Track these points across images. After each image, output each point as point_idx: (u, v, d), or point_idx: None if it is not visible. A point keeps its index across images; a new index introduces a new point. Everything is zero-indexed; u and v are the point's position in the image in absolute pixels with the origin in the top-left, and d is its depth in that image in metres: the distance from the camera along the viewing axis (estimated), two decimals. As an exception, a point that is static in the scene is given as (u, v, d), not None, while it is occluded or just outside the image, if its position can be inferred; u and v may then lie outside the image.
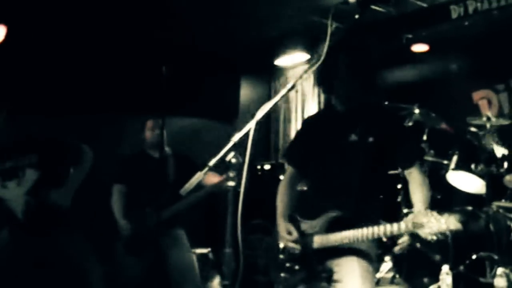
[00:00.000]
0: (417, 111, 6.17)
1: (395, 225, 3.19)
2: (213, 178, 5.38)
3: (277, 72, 9.08)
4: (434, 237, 3.07)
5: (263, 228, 6.09)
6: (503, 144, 5.97)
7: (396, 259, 6.09)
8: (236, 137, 3.39)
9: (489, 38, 7.53)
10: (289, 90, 3.25)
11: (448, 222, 3.04)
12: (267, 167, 7.40)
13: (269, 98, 8.48)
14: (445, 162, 6.09)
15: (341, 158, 3.63)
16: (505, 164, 5.72)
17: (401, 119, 4.63)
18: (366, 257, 3.49)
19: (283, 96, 3.29)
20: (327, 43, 3.26)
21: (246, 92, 9.08)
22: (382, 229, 3.24)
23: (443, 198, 6.41)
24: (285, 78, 9.01)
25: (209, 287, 6.39)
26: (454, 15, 7.01)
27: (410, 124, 6.20)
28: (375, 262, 3.60)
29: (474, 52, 7.88)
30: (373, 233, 3.27)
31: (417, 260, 5.92)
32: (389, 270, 6.11)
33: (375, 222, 3.37)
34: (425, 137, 6.33)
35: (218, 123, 8.20)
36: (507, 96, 7.61)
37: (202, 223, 7.58)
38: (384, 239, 5.12)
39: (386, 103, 6.11)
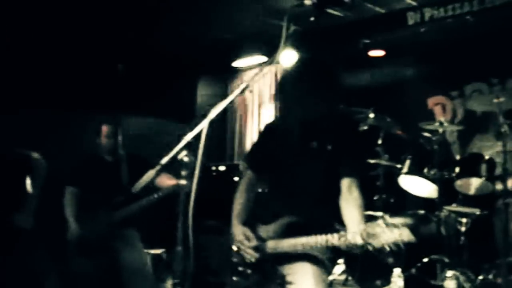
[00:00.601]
0: (372, 115, 6.24)
1: (349, 235, 3.18)
2: (167, 180, 5.38)
3: (235, 74, 9.10)
4: (388, 248, 3.09)
5: (217, 229, 6.10)
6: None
7: (349, 262, 6.17)
8: (189, 136, 3.40)
9: (444, 45, 7.68)
10: (242, 91, 3.26)
11: (402, 234, 3.04)
12: (222, 168, 7.41)
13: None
14: (399, 166, 6.18)
15: (300, 164, 3.62)
16: (457, 169, 5.84)
17: (357, 129, 4.59)
18: (319, 262, 3.48)
19: (235, 97, 3.30)
20: (282, 45, 3.27)
21: (203, 93, 9.08)
22: (336, 238, 3.21)
23: (396, 202, 6.52)
24: (242, 80, 9.02)
25: (162, 287, 6.38)
26: (410, 22, 7.13)
27: (365, 128, 6.27)
28: (329, 267, 3.61)
29: (430, 59, 8.02)
30: (327, 242, 3.24)
31: (370, 262, 6.00)
32: (342, 273, 6.18)
33: (330, 228, 3.34)
34: (380, 141, 6.41)
35: (174, 124, 8.17)
36: (461, 102, 7.76)
37: (157, 223, 7.56)
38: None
39: (342, 106, 6.20)
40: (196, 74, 9.03)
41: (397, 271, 5.62)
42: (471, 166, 5.84)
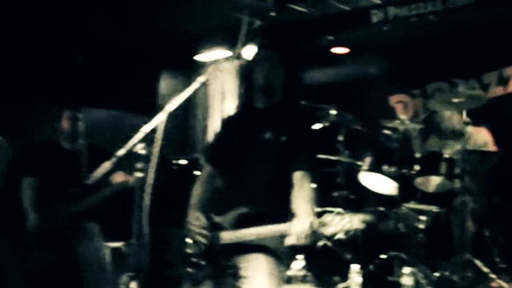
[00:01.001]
0: (333, 111, 6.28)
1: (300, 224, 3.24)
2: (119, 177, 5.39)
3: (198, 68, 9.06)
4: (338, 236, 3.18)
5: (177, 222, 6.09)
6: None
7: (308, 257, 6.21)
8: (146, 128, 3.40)
9: (408, 44, 7.77)
10: (201, 84, 3.27)
11: (352, 221, 3.15)
12: (183, 162, 7.40)
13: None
14: (359, 163, 6.23)
15: (255, 155, 3.66)
16: (417, 167, 5.91)
17: (312, 123, 4.61)
18: (274, 254, 3.50)
19: (194, 91, 3.30)
20: (242, 39, 3.29)
21: (166, 86, 9.03)
22: (287, 227, 3.29)
23: (356, 199, 6.58)
24: (205, 73, 8.85)
25: (121, 280, 6.35)
26: (374, 20, 7.15)
27: (327, 124, 6.31)
28: (285, 259, 3.63)
29: (393, 57, 8.11)
30: (278, 231, 3.33)
31: (329, 258, 6.05)
32: (301, 268, 6.21)
33: (284, 219, 3.39)
34: (341, 138, 6.45)
35: (136, 116, 8.10)
36: (423, 101, 7.85)
37: (118, 216, 7.51)
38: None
39: (303, 102, 6.23)
40: (159, 66, 8.97)
41: (355, 267, 5.66)
42: (431, 164, 5.92)
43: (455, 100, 5.74)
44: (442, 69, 7.84)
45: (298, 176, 3.57)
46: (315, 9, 7.30)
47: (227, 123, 4.05)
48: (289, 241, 3.28)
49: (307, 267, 6.17)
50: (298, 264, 6.25)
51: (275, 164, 3.62)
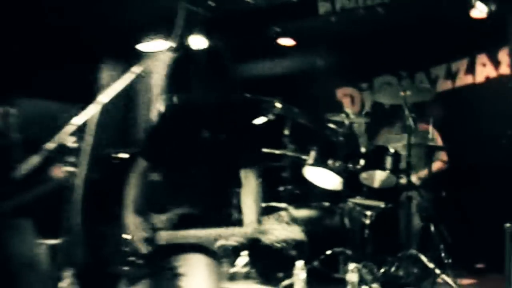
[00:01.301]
0: (278, 104, 6.18)
1: (241, 229, 3.26)
2: (57, 171, 5.23)
3: (139, 58, 8.87)
4: (277, 245, 3.13)
5: (114, 218, 5.95)
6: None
7: (252, 254, 6.14)
8: (77, 121, 3.27)
9: (355, 36, 7.76)
10: (139, 75, 3.17)
11: (293, 232, 3.12)
12: (123, 155, 7.24)
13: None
14: (304, 157, 6.17)
15: (192, 154, 3.58)
16: (361, 161, 5.87)
17: (255, 118, 4.55)
18: (213, 254, 3.46)
19: (135, 81, 3.19)
20: (179, 29, 3.18)
21: (106, 76, 8.86)
22: (226, 232, 3.28)
23: (302, 193, 6.52)
24: (141, 64, 8.72)
25: (57, 277, 6.19)
26: (321, 11, 7.13)
27: (271, 117, 6.22)
28: (225, 258, 3.60)
29: (340, 49, 8.10)
30: (217, 235, 3.30)
31: (273, 255, 5.97)
32: (245, 265, 6.14)
33: (224, 220, 3.39)
34: (286, 132, 6.38)
35: (74, 107, 7.90)
36: (370, 94, 7.85)
37: (55, 212, 7.34)
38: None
39: (248, 95, 6.14)
40: (99, 56, 8.79)
41: (299, 263, 5.61)
42: (376, 159, 5.90)
43: (401, 94, 5.74)
44: (390, 62, 7.87)
45: (243, 174, 3.55)
46: (262, -1, 7.26)
47: (164, 117, 3.93)
48: (229, 242, 3.24)
49: (251, 263, 6.11)
50: (242, 261, 6.19)
51: (217, 161, 3.56)
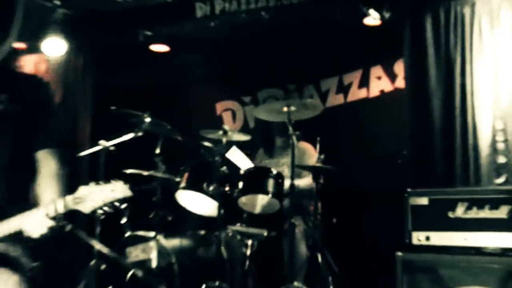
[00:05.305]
0: (148, 119, 6.08)
1: (47, 208, 3.00)
2: None
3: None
4: (100, 211, 2.98)
5: None
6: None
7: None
8: None
9: (237, 44, 7.73)
10: None
11: (116, 189, 2.96)
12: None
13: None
14: (177, 179, 6.12)
15: None
16: (240, 184, 5.84)
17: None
18: (15, 266, 3.16)
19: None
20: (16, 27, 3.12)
21: None
22: (27, 219, 3.01)
23: (175, 221, 6.46)
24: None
25: None
26: (199, 14, 7.00)
27: (140, 134, 6.14)
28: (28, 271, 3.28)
29: (221, 58, 8.08)
30: (12, 228, 3.03)
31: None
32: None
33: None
34: (157, 150, 6.31)
35: None
36: (254, 109, 7.89)
37: None
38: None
39: (113, 108, 6.05)
40: None
41: (168, 300, 5.59)
42: (257, 181, 5.92)
43: (285, 109, 5.77)
44: (277, 73, 7.92)
45: (41, 156, 3.36)
46: (132, -1, 7.15)
47: None
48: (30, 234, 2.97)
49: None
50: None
51: (10, 141, 3.30)
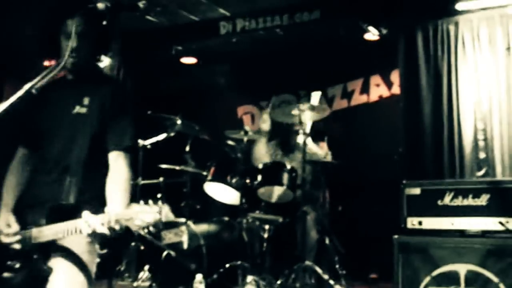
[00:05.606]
0: (179, 121, 6.27)
1: (104, 217, 2.80)
2: None
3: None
4: (145, 230, 2.89)
5: None
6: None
7: (152, 267, 6.17)
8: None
9: (256, 56, 7.96)
10: (26, 92, 2.98)
11: (162, 213, 2.70)
12: None
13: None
14: (205, 173, 6.25)
15: (64, 133, 3.20)
16: (259, 177, 6.01)
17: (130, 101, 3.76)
18: (76, 260, 3.06)
19: (16, 100, 2.98)
20: (69, 47, 3.07)
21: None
22: (84, 225, 2.82)
23: (202, 209, 6.62)
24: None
25: None
26: (223, 31, 7.34)
27: (172, 134, 6.33)
28: (87, 267, 3.09)
29: (241, 68, 8.27)
30: (75, 229, 2.86)
31: (173, 268, 6.02)
32: (147, 279, 6.16)
33: (99, 210, 2.91)
34: (187, 148, 6.45)
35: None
36: (269, 112, 8.02)
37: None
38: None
39: (149, 112, 6.21)
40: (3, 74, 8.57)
41: (199, 277, 5.67)
42: (273, 174, 6.05)
43: (297, 112, 5.91)
44: (289, 81, 8.08)
45: (115, 158, 3.19)
46: (166, 19, 7.33)
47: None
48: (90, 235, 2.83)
49: (152, 277, 6.13)
50: (143, 275, 6.21)
51: (89, 141, 3.19)
